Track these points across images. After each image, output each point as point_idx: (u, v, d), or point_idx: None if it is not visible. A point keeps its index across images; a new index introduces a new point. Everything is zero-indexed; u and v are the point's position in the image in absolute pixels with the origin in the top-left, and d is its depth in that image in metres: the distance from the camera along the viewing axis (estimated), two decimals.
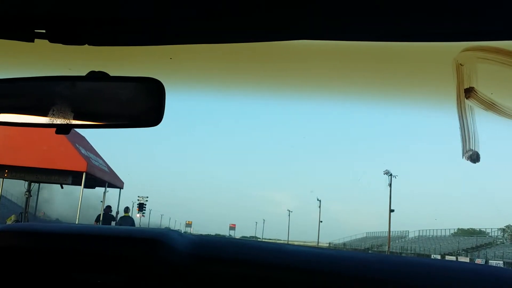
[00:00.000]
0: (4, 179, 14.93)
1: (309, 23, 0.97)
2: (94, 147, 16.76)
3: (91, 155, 15.06)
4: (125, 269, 1.10)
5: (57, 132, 1.05)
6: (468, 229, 61.57)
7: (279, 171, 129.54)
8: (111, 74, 1.02)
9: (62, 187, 14.81)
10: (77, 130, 2.91)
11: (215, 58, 1.25)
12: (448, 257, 40.64)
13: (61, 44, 1.05)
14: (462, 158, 1.08)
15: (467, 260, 38.69)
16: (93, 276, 1.09)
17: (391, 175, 45.73)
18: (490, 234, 55.11)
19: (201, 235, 1.42)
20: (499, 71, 1.02)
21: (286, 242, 58.46)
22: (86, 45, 1.06)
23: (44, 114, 1.03)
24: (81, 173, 13.34)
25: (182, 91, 1.43)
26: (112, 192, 17.45)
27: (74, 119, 1.03)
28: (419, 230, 65.65)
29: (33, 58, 1.19)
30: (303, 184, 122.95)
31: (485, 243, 51.74)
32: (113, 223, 13.99)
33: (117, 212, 15.84)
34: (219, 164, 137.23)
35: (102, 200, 16.20)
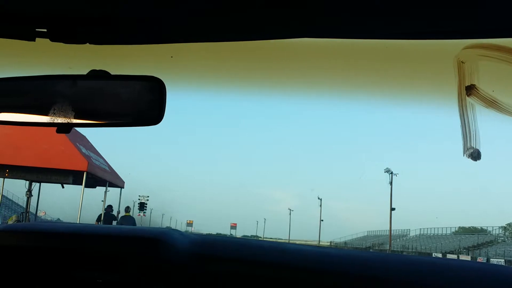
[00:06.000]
0: (5, 179, 14.94)
1: (310, 21, 0.97)
2: (95, 146, 16.78)
3: (92, 154, 15.07)
4: (127, 268, 1.10)
5: (58, 131, 1.05)
6: (469, 227, 61.58)
7: (280, 170, 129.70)
8: (112, 72, 1.02)
9: (63, 187, 14.81)
10: (78, 129, 2.92)
11: (216, 56, 1.25)
12: (449, 256, 40.62)
13: (62, 43, 1.05)
14: (463, 155, 1.08)
15: (468, 258, 38.68)
16: (95, 275, 1.10)
17: (391, 173, 45.74)
18: (491, 233, 55.12)
19: (202, 234, 1.42)
20: (500, 69, 1.01)
21: (287, 241, 58.46)
22: (87, 43, 1.06)
23: (45, 113, 1.03)
24: (82, 172, 13.34)
25: (183, 90, 1.43)
26: (113, 191, 17.46)
27: (75, 118, 1.02)
28: (420, 229, 65.77)
29: (34, 57, 1.19)
30: (304, 182, 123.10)
31: (486, 242, 51.73)
32: (114, 222, 13.99)
33: (118, 212, 15.85)
34: (220, 163, 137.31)
35: (103, 200, 16.21)
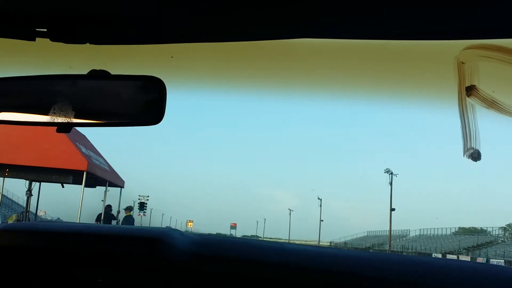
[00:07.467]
0: (5, 178, 14.94)
1: (310, 21, 0.97)
2: (95, 146, 16.78)
3: (92, 154, 15.06)
4: (127, 268, 1.10)
5: (58, 131, 1.05)
6: (469, 227, 61.56)
7: (280, 170, 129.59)
8: (112, 72, 1.02)
9: (63, 186, 14.81)
10: (78, 128, 2.90)
11: (216, 56, 1.25)
12: (449, 256, 40.61)
13: (62, 43, 1.05)
14: (463, 156, 1.08)
15: (468, 259, 38.69)
16: (95, 274, 1.10)
17: (391, 173, 45.76)
18: (491, 233, 55.13)
19: (202, 234, 1.42)
20: (500, 69, 1.02)
21: (287, 241, 58.46)
22: (87, 43, 1.06)
23: (45, 112, 1.03)
24: (82, 172, 13.33)
25: (183, 90, 1.43)
26: (113, 191, 17.44)
27: (75, 117, 1.03)
28: (420, 229, 65.70)
29: (34, 56, 1.19)
30: (304, 182, 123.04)
31: (486, 242, 51.72)
32: (113, 222, 13.99)
33: (118, 211, 15.84)
34: (220, 163, 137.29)
35: (103, 199, 16.20)
